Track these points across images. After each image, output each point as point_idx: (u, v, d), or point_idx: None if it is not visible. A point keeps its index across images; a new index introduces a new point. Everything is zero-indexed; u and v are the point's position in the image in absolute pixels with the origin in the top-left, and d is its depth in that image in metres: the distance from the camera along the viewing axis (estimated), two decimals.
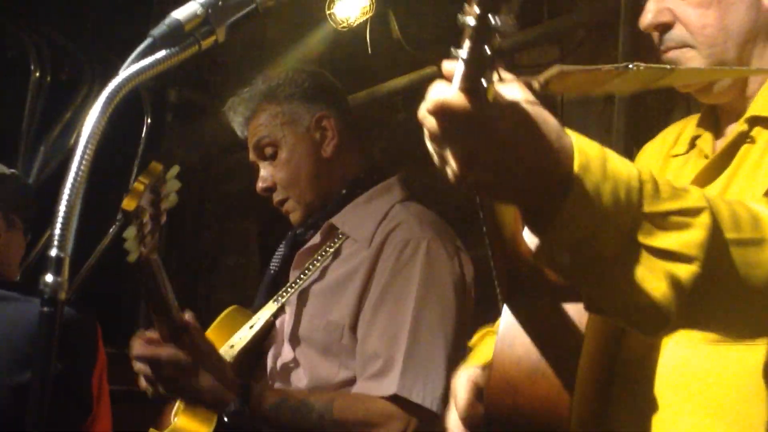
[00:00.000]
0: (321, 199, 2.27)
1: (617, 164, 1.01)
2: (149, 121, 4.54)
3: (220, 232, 5.11)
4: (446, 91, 0.93)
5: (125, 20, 4.45)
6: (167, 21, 1.23)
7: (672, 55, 1.41)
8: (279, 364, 2.23)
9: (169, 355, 1.93)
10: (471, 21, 0.89)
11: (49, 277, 1.09)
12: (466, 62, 0.91)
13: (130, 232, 1.78)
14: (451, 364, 2.05)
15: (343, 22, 3.73)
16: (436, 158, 1.00)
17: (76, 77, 4.31)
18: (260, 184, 2.29)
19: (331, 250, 2.21)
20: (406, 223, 2.17)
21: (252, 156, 2.32)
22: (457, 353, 2.07)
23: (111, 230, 4.26)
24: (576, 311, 1.21)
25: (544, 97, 3.71)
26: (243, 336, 2.23)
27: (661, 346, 1.29)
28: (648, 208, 1.00)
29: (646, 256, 0.99)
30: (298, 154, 2.25)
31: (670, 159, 1.53)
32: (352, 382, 2.13)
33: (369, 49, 3.80)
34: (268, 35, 4.77)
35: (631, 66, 1.14)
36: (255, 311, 2.36)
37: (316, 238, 2.25)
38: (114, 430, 2.59)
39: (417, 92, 4.72)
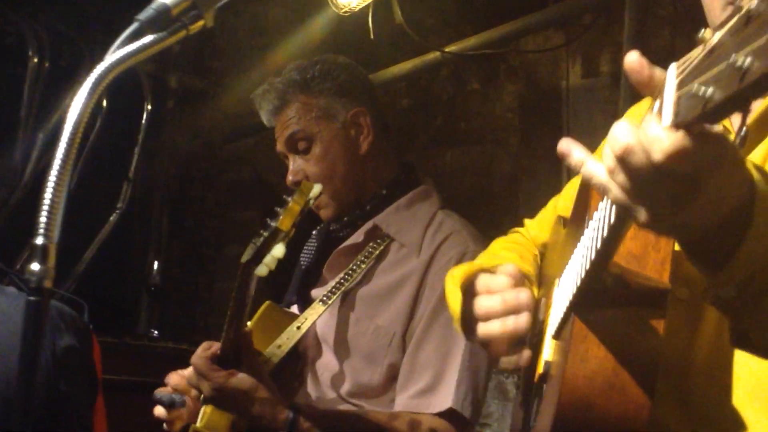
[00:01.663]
0: (354, 196, 2.23)
1: None
2: (149, 107, 4.50)
3: (223, 221, 5.08)
4: (656, 133, 0.82)
5: (125, 5, 4.40)
6: (154, 5, 1.20)
7: None
8: (319, 367, 2.20)
9: (218, 380, 1.92)
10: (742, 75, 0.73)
11: (35, 266, 1.06)
12: (721, 107, 0.76)
13: (279, 251, 1.80)
14: (488, 381, 2.10)
15: (345, 6, 3.67)
16: (621, 201, 0.90)
17: (75, 63, 4.27)
18: (291, 178, 2.23)
19: (376, 252, 2.17)
20: (458, 234, 2.15)
21: (281, 147, 2.26)
22: (491, 368, 2.12)
23: (111, 218, 4.22)
24: (655, 325, 1.14)
25: (548, 86, 3.64)
26: (291, 336, 2.18)
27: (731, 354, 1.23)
28: None
29: None
30: (334, 149, 2.20)
31: None
32: (392, 376, 2.11)
33: (371, 34, 3.75)
34: (269, 20, 4.73)
35: None
36: (287, 306, 2.33)
37: (358, 237, 2.21)
38: (109, 420, 2.58)
39: (420, 78, 4.69)
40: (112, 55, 1.14)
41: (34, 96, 4.05)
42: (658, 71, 0.88)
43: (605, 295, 1.14)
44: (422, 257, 2.12)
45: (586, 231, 1.19)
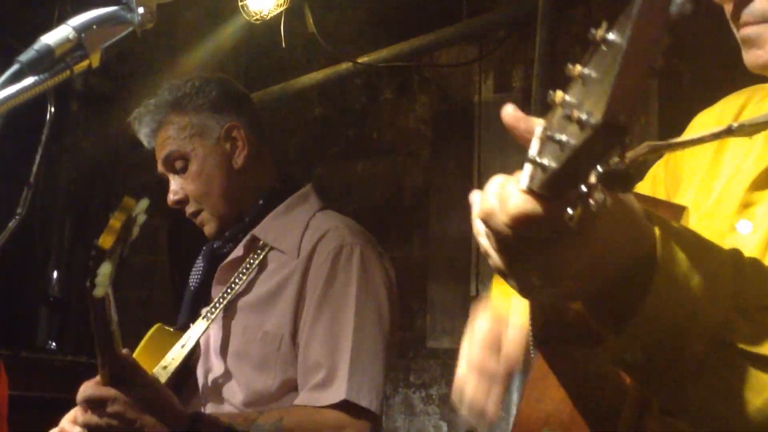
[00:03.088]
0: (235, 210, 2.25)
1: (708, 252, 0.87)
2: (53, 110, 4.35)
3: None
4: (527, 201, 0.75)
5: (29, 5, 4.26)
6: (37, 46, 1.17)
7: (749, 30, 1.18)
8: (210, 380, 2.19)
9: (115, 396, 1.87)
10: (572, 139, 0.67)
11: None
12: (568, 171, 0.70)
13: (106, 270, 1.74)
14: (386, 368, 2.10)
15: (257, 14, 3.62)
16: (498, 267, 0.83)
17: None
18: (171, 197, 2.24)
19: (256, 262, 2.19)
20: (336, 230, 2.17)
21: (160, 168, 2.27)
22: (390, 356, 2.12)
23: (10, 225, 4.06)
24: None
25: (460, 99, 3.66)
26: (176, 356, 2.17)
27: None
28: (743, 302, 0.86)
29: (739, 362, 0.85)
30: (209, 166, 2.21)
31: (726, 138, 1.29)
32: (288, 388, 2.11)
33: (284, 42, 3.71)
34: (181, 24, 4.63)
35: (734, 126, 0.99)
36: (180, 329, 2.31)
37: (239, 251, 2.22)
38: None
39: (332, 87, 4.67)
40: None
41: None
42: (536, 123, 0.82)
43: (566, 332, 1.06)
44: (301, 257, 2.14)
45: None
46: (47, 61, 1.17)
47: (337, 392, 2.01)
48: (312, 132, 4.42)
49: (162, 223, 4.82)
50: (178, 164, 2.22)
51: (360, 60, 3.81)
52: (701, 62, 3.32)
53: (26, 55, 1.17)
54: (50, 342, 4.51)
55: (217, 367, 2.17)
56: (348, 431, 1.99)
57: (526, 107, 3.57)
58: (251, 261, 2.19)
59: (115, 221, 1.78)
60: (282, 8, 3.58)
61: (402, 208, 4.10)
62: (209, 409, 2.17)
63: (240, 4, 3.63)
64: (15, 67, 1.16)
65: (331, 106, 4.38)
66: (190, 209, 2.23)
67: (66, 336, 4.62)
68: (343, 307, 2.07)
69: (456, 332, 4.08)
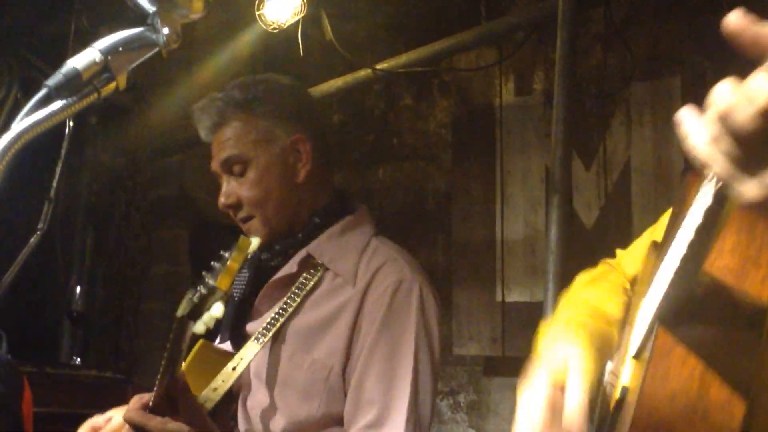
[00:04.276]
0: (287, 223, 2.16)
1: None
2: (71, 123, 4.35)
3: (149, 240, 4.95)
4: (762, 81, 0.72)
5: (45, 19, 4.26)
6: (64, 70, 1.17)
7: None
8: (252, 405, 2.11)
9: (153, 428, 1.84)
10: None
11: None
12: None
13: (219, 311, 1.74)
14: (432, 412, 2.05)
15: (274, 23, 3.61)
16: (729, 173, 0.79)
17: None
18: (223, 200, 2.15)
19: (311, 282, 2.09)
20: (395, 262, 2.08)
21: (215, 167, 2.18)
22: (435, 397, 2.07)
23: (32, 240, 4.06)
24: (748, 347, 1.00)
25: (481, 103, 3.62)
26: (226, 378, 2.09)
27: None
28: None
29: None
30: (270, 176, 2.12)
31: None
32: (329, 420, 2.03)
33: (301, 51, 3.69)
34: (197, 34, 4.63)
35: None
36: (222, 340, 2.25)
37: (292, 267, 2.13)
38: None
39: (351, 94, 4.63)
40: (19, 124, 1.12)
41: None
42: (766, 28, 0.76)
43: (694, 308, 1.03)
44: (358, 286, 2.05)
45: (677, 235, 1.07)
46: (75, 84, 1.17)
47: None
48: (332, 139, 4.40)
49: (182, 233, 4.81)
50: (237, 168, 2.12)
51: (378, 66, 3.78)
52: (724, 59, 3.28)
53: (54, 79, 1.17)
54: (74, 357, 4.50)
55: (260, 393, 2.09)
56: None
57: (547, 109, 3.55)
58: (304, 281, 2.10)
59: (234, 263, 1.74)
60: (299, 17, 3.56)
61: (424, 214, 4.07)
62: None
63: (257, 13, 3.62)
64: (43, 92, 1.16)
65: (351, 113, 4.37)
66: (241, 214, 2.14)
67: (90, 350, 4.62)
68: (401, 346, 1.99)
69: (482, 338, 4.05)
